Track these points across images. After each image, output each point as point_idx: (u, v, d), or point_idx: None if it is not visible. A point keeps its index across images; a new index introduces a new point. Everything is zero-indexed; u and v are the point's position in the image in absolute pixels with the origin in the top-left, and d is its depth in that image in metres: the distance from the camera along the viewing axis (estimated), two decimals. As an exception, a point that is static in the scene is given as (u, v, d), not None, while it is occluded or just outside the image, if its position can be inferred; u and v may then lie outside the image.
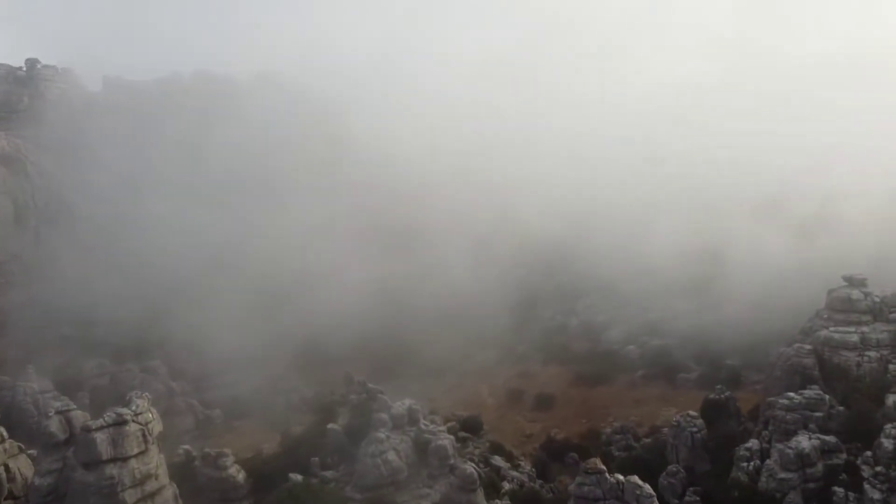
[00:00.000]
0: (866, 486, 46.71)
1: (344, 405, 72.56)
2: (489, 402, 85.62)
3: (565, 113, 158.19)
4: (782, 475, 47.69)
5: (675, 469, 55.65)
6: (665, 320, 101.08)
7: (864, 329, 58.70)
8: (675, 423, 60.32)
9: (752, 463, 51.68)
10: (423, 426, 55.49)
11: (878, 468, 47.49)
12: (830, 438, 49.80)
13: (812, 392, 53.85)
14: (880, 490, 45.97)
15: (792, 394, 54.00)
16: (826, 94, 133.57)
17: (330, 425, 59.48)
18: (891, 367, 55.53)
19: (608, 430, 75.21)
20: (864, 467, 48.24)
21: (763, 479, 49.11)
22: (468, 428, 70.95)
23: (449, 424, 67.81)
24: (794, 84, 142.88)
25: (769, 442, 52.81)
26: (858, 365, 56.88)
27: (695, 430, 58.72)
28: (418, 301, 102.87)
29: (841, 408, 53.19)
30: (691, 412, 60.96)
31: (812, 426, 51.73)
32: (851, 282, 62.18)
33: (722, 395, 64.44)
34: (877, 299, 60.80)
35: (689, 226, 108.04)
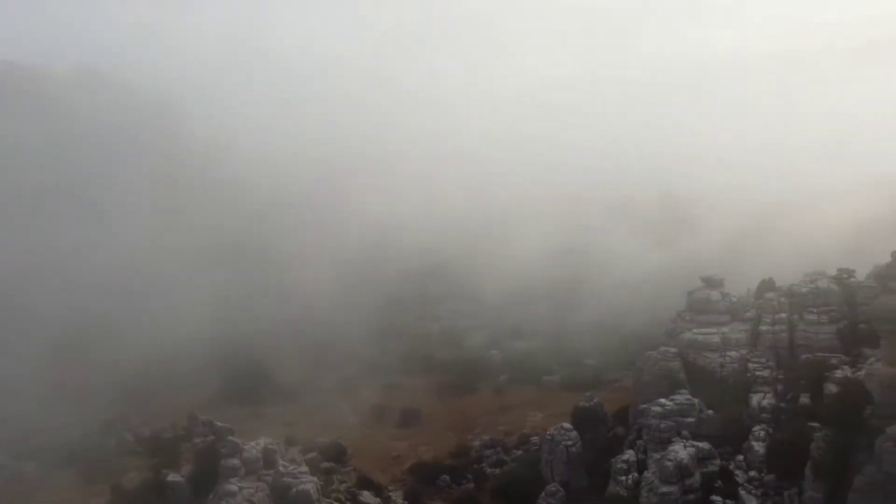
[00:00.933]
0: (741, 492, 46.73)
1: (188, 441, 63.83)
2: (352, 422, 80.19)
3: (433, 114, 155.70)
4: (663, 489, 46.57)
5: (554, 489, 53.51)
6: (527, 322, 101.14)
7: (725, 329, 59.75)
8: (548, 437, 58.35)
9: (629, 476, 50.45)
10: (281, 468, 49.70)
11: (752, 473, 47.71)
12: (704, 445, 49.52)
13: (682, 397, 53.66)
14: (755, 496, 46.09)
15: (664, 400, 53.47)
16: (698, 94, 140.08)
17: (171, 476, 51.19)
18: (750, 365, 56.61)
19: (477, 443, 72.60)
20: (737, 472, 48.37)
21: (644, 493, 47.80)
22: (331, 457, 65.00)
23: (309, 456, 62.03)
24: (669, 82, 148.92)
25: (644, 452, 51.85)
26: (722, 366, 57.55)
27: (569, 443, 57.05)
28: (272, 318, 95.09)
29: (710, 411, 53.27)
30: (565, 424, 59.18)
31: (685, 432, 51.33)
32: (709, 283, 63.33)
33: (591, 403, 63.48)
34: (734, 299, 62.31)
35: (553, 228, 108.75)
